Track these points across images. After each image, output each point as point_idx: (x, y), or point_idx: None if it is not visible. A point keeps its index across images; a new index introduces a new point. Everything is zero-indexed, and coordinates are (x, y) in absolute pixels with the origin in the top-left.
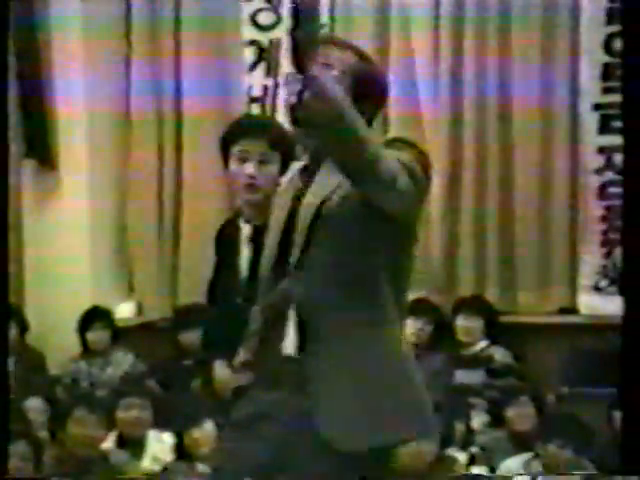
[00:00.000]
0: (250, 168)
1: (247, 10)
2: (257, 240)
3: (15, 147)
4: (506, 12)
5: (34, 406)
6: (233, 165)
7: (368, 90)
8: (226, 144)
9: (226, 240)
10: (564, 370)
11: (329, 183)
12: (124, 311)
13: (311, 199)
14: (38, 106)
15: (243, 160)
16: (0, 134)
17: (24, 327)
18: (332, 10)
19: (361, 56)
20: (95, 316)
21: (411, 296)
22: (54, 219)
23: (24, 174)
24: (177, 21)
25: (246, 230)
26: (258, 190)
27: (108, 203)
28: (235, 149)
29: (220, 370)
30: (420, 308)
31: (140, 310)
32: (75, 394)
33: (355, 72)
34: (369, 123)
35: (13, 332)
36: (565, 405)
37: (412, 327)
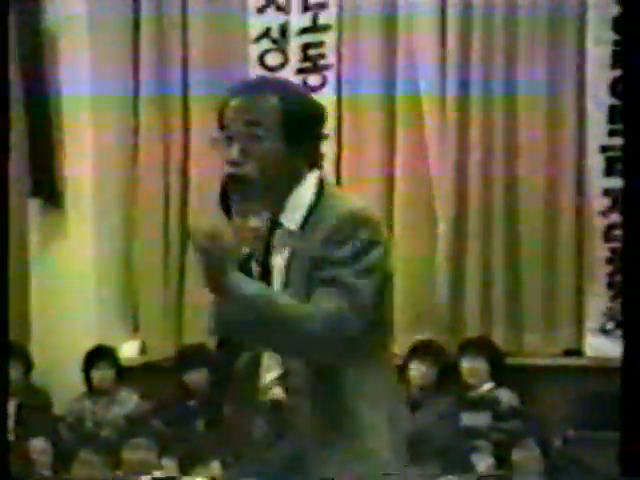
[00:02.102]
0: (238, 222)
1: (255, 51)
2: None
3: (21, 186)
4: (514, 55)
5: (38, 446)
6: (235, 218)
7: (300, 126)
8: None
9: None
10: (570, 413)
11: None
12: (128, 350)
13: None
14: (45, 145)
15: (239, 215)
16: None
17: (29, 366)
18: (340, 10)
19: (283, 95)
20: (99, 355)
21: (416, 337)
22: (60, 258)
23: (30, 213)
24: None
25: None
26: (243, 244)
27: (113, 242)
28: (235, 205)
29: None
30: (425, 350)
31: (144, 349)
32: (80, 434)
33: (279, 115)
34: (313, 160)
35: (18, 371)
36: (571, 448)
37: (417, 369)
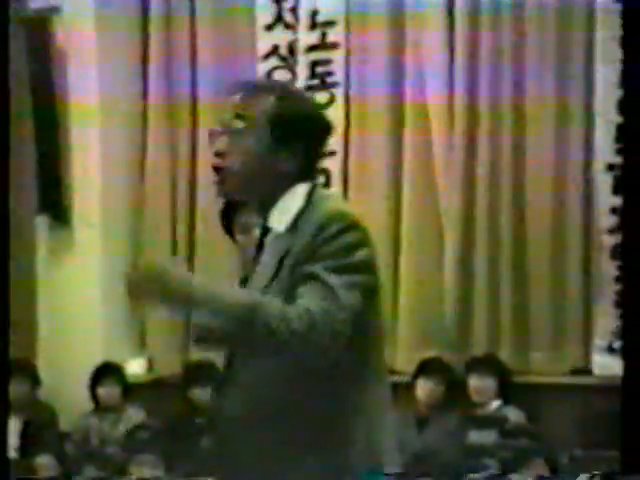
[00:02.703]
0: (240, 239)
1: (263, 69)
2: None
3: (29, 202)
4: (521, 72)
5: (44, 463)
6: (238, 235)
7: (290, 129)
8: (228, 214)
9: None
10: (577, 431)
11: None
12: (135, 367)
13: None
14: (53, 163)
15: (244, 232)
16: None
17: (36, 382)
18: (348, 28)
19: (281, 96)
20: (106, 372)
21: (424, 355)
22: (67, 274)
23: (38, 230)
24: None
25: None
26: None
27: (121, 259)
28: (238, 220)
29: None
30: (432, 367)
31: (151, 366)
32: (86, 451)
33: (270, 114)
34: (308, 170)
35: (24, 387)
36: (579, 467)
37: (424, 387)
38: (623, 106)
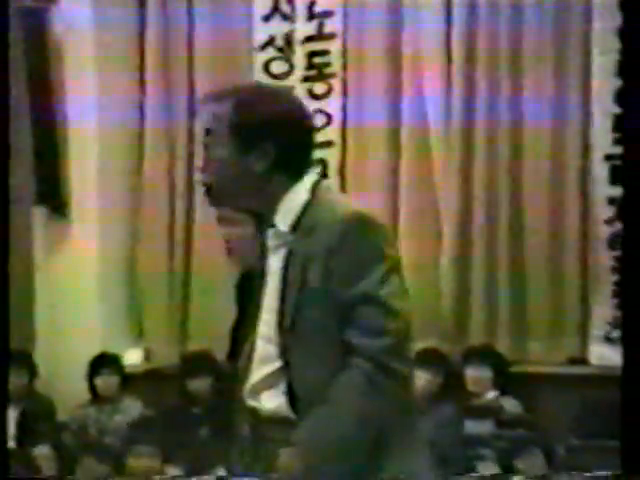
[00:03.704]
0: (221, 231)
1: (260, 60)
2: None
3: (26, 194)
4: (519, 60)
5: (41, 453)
6: (221, 229)
7: (253, 132)
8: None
9: (247, 289)
10: (574, 421)
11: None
12: (132, 357)
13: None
14: (50, 155)
15: (219, 222)
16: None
17: (33, 373)
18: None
19: (236, 101)
20: (104, 362)
21: (420, 345)
22: (64, 266)
23: (35, 221)
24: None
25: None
26: (234, 252)
27: (118, 251)
28: (219, 214)
29: None
30: (429, 358)
31: (148, 356)
32: (83, 442)
33: (229, 123)
34: (288, 157)
35: (22, 378)
36: (575, 457)
37: (420, 377)
38: (621, 96)
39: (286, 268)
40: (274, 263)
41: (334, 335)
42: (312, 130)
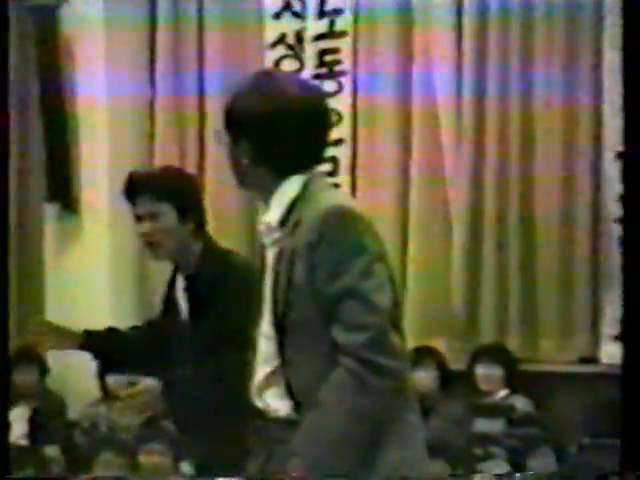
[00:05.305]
0: (142, 228)
1: (271, 57)
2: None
3: (38, 191)
4: (530, 59)
5: (52, 451)
6: (135, 225)
7: (237, 129)
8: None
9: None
10: (585, 420)
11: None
12: None
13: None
14: (62, 152)
15: (139, 219)
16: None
17: (44, 370)
18: (356, 16)
19: (231, 101)
20: None
21: (430, 343)
22: (75, 263)
23: (46, 218)
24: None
25: (180, 282)
26: (157, 246)
27: (129, 248)
28: (132, 210)
29: None
30: (424, 357)
31: None
32: (94, 439)
33: (224, 121)
34: (269, 153)
35: (33, 375)
36: (586, 455)
37: (418, 375)
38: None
39: (277, 265)
40: (269, 260)
41: (323, 332)
42: (305, 127)
